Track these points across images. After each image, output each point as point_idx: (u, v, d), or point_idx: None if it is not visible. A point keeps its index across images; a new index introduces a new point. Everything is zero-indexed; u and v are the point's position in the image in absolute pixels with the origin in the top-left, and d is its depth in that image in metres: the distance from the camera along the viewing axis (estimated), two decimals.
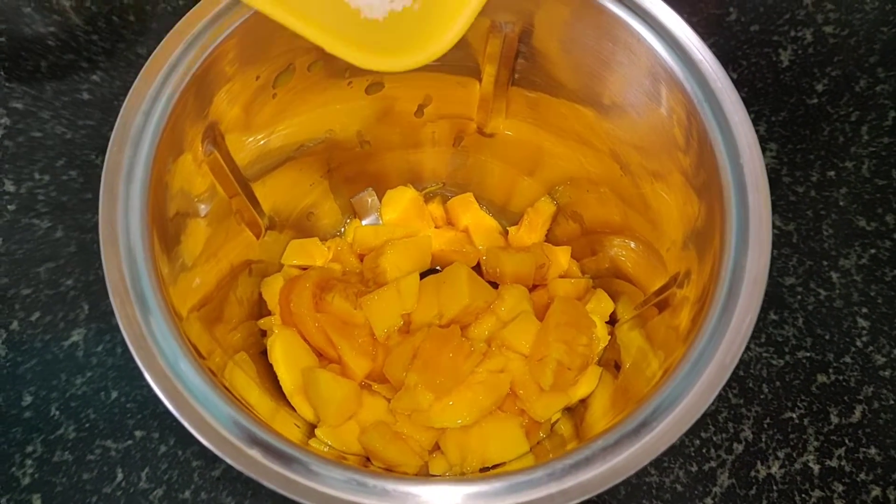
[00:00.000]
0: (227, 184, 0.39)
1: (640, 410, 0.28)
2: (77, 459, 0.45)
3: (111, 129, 0.54)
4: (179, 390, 0.29)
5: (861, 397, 0.48)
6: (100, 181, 0.52)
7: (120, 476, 0.45)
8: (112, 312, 0.30)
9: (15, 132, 0.54)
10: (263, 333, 0.45)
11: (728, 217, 0.30)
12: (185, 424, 0.29)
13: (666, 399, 0.28)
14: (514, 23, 0.38)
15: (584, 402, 0.42)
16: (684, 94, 0.32)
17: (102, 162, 0.53)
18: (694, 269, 0.33)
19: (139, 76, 0.33)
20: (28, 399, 0.47)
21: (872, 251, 0.52)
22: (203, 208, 0.37)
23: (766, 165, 0.38)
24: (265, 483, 0.27)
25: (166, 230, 0.33)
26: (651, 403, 0.28)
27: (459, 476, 0.37)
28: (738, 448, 0.47)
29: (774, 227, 0.52)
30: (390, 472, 0.39)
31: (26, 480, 0.45)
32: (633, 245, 0.42)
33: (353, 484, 0.27)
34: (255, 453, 0.28)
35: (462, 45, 0.40)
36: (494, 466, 0.39)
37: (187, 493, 0.45)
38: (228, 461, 0.28)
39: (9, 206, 0.52)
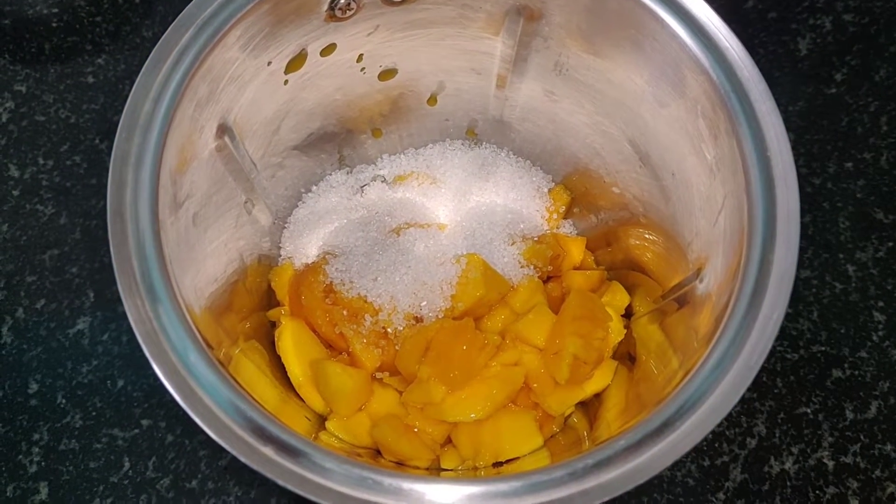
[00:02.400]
0: (237, 172, 0.38)
1: (662, 410, 0.27)
2: (84, 448, 0.45)
3: (116, 114, 0.54)
4: (189, 383, 0.29)
5: (877, 392, 0.48)
6: (104, 166, 0.52)
7: (127, 465, 0.45)
8: (118, 300, 0.29)
9: (19, 116, 0.53)
10: (272, 324, 0.44)
11: (755, 211, 0.29)
12: (196, 419, 0.28)
13: (689, 398, 0.27)
14: (532, 8, 0.37)
15: (598, 396, 0.41)
16: (710, 84, 0.31)
17: (107, 147, 0.53)
18: (717, 264, 0.32)
19: (148, 61, 0.32)
20: (34, 387, 0.46)
21: (890, 244, 0.52)
22: (213, 197, 0.37)
23: None
24: (277, 480, 0.27)
25: (175, 219, 0.33)
26: (674, 403, 0.27)
27: (477, 475, 0.37)
28: (752, 443, 0.46)
29: None
30: (401, 465, 0.38)
31: (33, 468, 0.44)
32: (651, 237, 0.41)
33: (369, 482, 0.26)
34: (267, 451, 0.27)
35: (478, 31, 0.39)
36: (508, 461, 0.38)
37: (194, 483, 0.45)
38: (241, 458, 0.27)
39: (13, 192, 0.51)
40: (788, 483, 0.46)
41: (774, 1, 0.59)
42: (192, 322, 0.30)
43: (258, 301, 0.44)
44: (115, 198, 0.30)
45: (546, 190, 0.48)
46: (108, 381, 0.46)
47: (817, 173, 0.54)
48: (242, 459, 0.27)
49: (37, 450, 0.45)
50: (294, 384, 0.41)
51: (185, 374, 0.29)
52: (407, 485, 0.26)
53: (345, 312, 0.41)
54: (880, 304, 0.50)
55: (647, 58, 0.35)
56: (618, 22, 0.35)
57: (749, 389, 0.47)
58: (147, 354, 0.29)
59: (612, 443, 0.27)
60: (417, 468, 0.38)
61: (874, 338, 0.49)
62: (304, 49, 0.37)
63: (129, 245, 0.30)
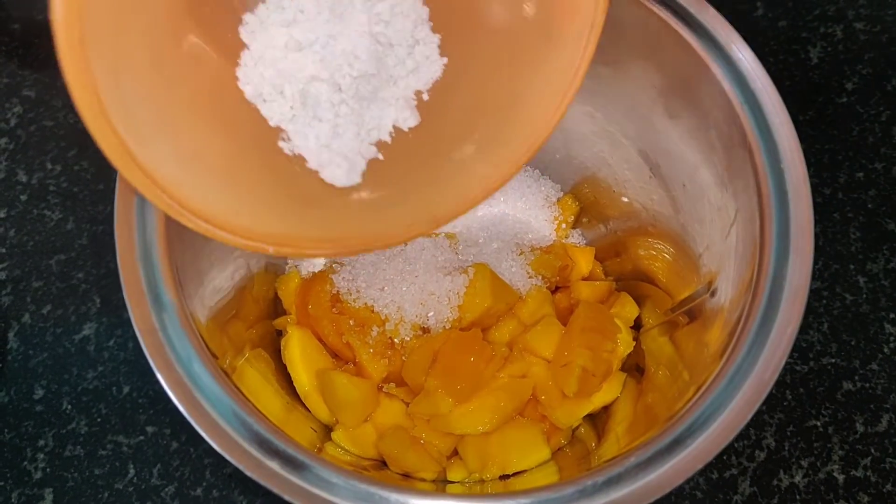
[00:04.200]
0: None
1: (674, 426, 0.27)
2: (89, 454, 0.45)
3: None
4: (193, 394, 0.29)
5: (888, 405, 0.47)
6: (111, 172, 0.51)
7: (132, 472, 0.45)
8: (124, 306, 0.29)
9: (27, 121, 0.53)
10: (278, 333, 0.44)
11: (768, 224, 0.29)
12: (200, 431, 0.28)
13: (702, 415, 0.27)
14: None
15: (606, 408, 0.41)
16: (723, 95, 0.31)
17: None
18: (729, 277, 0.32)
19: None
20: (40, 393, 0.46)
21: None
22: None
23: None
24: (282, 495, 0.27)
25: (182, 227, 0.32)
26: (686, 420, 0.27)
27: (484, 488, 0.37)
28: (761, 455, 0.46)
29: None
30: (408, 477, 0.38)
31: (38, 475, 0.44)
32: (661, 247, 0.41)
33: (375, 498, 0.26)
34: (272, 464, 0.27)
35: None
36: (515, 473, 0.38)
37: (199, 491, 0.44)
38: (245, 471, 0.27)
39: (20, 197, 0.51)
40: (798, 497, 0.45)
41: (785, 9, 0.58)
42: (198, 331, 0.30)
43: (264, 309, 0.44)
44: (122, 204, 0.30)
45: (555, 199, 0.48)
46: (114, 388, 0.46)
47: (828, 183, 0.53)
48: (247, 473, 0.27)
49: (42, 456, 0.45)
50: (300, 393, 0.41)
51: (189, 385, 0.29)
52: (414, 501, 0.26)
53: (351, 322, 0.41)
54: (891, 315, 0.49)
55: (659, 68, 0.34)
56: (630, 32, 0.34)
57: None
58: (151, 364, 0.29)
59: (622, 459, 0.26)
60: (424, 480, 0.38)
61: (885, 350, 0.49)
62: None
63: (136, 252, 0.30)
